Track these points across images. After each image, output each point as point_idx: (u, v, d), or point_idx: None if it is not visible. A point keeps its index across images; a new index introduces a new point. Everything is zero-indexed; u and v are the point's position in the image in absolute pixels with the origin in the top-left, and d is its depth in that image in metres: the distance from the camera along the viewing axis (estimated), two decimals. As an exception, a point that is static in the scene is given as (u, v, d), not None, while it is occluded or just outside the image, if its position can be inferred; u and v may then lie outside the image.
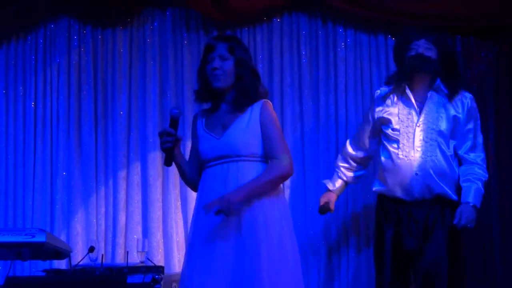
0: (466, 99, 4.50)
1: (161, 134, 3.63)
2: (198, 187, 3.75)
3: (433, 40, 4.40)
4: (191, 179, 3.84)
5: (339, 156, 4.95)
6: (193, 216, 3.75)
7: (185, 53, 5.77)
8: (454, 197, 4.43)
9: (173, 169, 5.52)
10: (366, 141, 4.74)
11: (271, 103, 3.76)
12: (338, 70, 5.68)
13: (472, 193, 4.38)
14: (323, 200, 4.82)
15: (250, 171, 3.62)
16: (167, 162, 3.69)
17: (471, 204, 4.35)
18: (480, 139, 4.56)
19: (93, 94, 5.79)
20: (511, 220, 5.41)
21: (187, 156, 3.93)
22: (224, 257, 3.51)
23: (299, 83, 5.72)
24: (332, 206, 4.82)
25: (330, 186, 4.87)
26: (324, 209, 4.85)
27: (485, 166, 4.53)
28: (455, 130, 4.43)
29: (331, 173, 5.20)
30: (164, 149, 3.64)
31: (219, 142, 3.68)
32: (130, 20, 5.87)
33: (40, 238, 4.47)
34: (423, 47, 4.40)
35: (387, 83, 4.65)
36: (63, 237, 5.56)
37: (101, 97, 5.79)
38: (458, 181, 4.48)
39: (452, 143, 4.44)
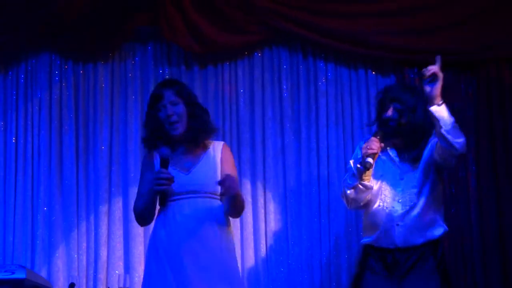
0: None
1: (158, 178, 3.66)
2: (158, 220, 3.82)
3: (404, 103, 4.33)
4: (153, 212, 3.88)
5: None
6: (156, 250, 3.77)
7: (166, 87, 5.77)
8: (438, 234, 4.40)
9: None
10: None
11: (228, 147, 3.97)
12: (319, 104, 5.71)
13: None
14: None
15: (215, 207, 3.83)
16: (163, 202, 3.73)
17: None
18: None
19: (75, 129, 5.77)
20: (492, 252, 5.42)
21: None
22: None
23: (280, 117, 5.74)
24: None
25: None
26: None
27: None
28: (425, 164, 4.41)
29: (313, 208, 5.26)
30: (159, 191, 3.68)
31: (188, 178, 3.79)
32: (111, 55, 5.87)
33: (20, 274, 4.45)
34: (394, 110, 4.34)
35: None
36: (43, 273, 5.51)
37: (82, 132, 5.78)
38: (442, 213, 4.48)
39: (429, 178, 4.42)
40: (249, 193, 5.62)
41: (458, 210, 5.52)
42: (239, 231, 5.57)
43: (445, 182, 5.50)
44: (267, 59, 5.81)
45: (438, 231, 4.41)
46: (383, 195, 4.39)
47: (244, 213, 5.51)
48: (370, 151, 4.18)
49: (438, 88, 4.16)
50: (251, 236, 5.58)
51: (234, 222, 5.51)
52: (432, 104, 4.15)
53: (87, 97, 5.84)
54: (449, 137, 4.15)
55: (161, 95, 3.86)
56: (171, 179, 3.68)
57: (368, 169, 4.23)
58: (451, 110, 5.49)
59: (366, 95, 5.66)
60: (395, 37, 5.61)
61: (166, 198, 3.72)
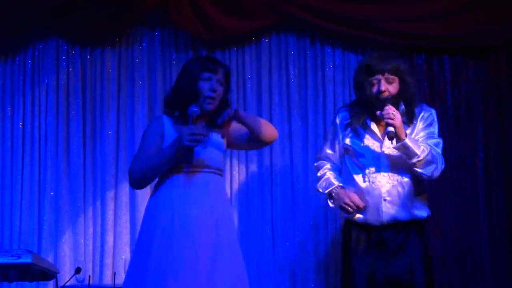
0: (425, 113, 4.37)
1: (193, 133, 3.62)
2: (170, 190, 3.77)
3: (396, 71, 4.23)
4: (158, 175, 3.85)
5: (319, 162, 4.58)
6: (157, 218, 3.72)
7: (173, 73, 5.76)
8: (423, 215, 4.33)
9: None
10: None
11: None
12: (326, 90, 5.69)
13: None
14: (350, 199, 4.25)
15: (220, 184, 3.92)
16: (190, 159, 3.69)
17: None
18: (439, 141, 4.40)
19: (82, 115, 5.77)
20: (500, 239, 5.40)
21: None
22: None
23: (287, 103, 5.73)
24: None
25: (336, 182, 4.39)
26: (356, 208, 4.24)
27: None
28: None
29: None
30: (191, 147, 3.64)
31: (205, 151, 3.78)
32: (118, 40, 5.87)
33: (26, 259, 4.44)
34: (385, 81, 4.21)
35: (347, 108, 4.48)
36: (50, 258, 5.52)
37: (89, 117, 5.78)
38: (426, 197, 4.41)
39: None
40: (256, 178, 5.62)
41: (465, 197, 5.50)
42: (245, 215, 5.57)
43: (452, 168, 5.50)
44: (274, 45, 5.79)
45: (423, 212, 4.33)
46: (367, 170, 4.30)
47: (251, 198, 5.57)
48: (390, 121, 4.06)
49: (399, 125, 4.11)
50: (258, 221, 5.57)
51: (241, 207, 5.53)
52: (399, 141, 4.11)
53: (94, 82, 5.84)
54: (417, 169, 4.19)
55: (215, 70, 3.85)
56: (206, 134, 3.71)
57: (392, 139, 4.10)
58: (459, 95, 5.56)
59: (373, 81, 5.63)
60: (404, 23, 5.58)
61: (193, 155, 3.69)
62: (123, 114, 5.80)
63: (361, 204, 4.23)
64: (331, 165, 4.50)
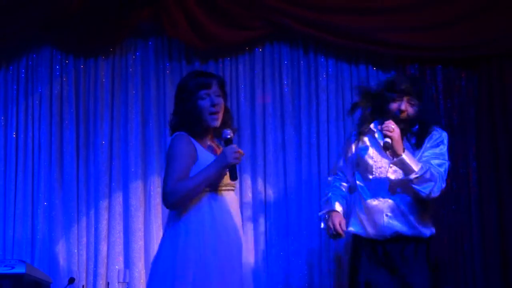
0: (435, 134, 4.39)
1: (238, 151, 3.70)
2: (208, 210, 3.73)
3: (417, 94, 4.28)
4: None
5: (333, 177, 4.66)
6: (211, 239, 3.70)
7: (167, 82, 5.78)
8: (426, 234, 4.37)
9: (156, 199, 5.55)
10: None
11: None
12: (320, 99, 5.70)
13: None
14: (332, 222, 4.41)
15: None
16: (236, 175, 3.76)
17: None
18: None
19: (75, 124, 5.78)
20: (492, 248, 5.41)
21: None
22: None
23: (281, 112, 5.74)
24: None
25: (331, 206, 4.49)
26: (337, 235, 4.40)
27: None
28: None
29: (313, 203, 5.21)
30: (235, 164, 3.70)
31: None
32: (112, 50, 5.88)
33: (19, 269, 4.45)
34: (407, 102, 4.27)
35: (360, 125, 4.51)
36: (44, 268, 5.50)
37: (83, 127, 5.78)
38: (430, 214, 4.45)
39: None
40: (250, 188, 5.62)
41: (458, 206, 5.51)
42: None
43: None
44: (268, 55, 5.80)
45: (427, 230, 4.36)
46: (374, 185, 4.35)
47: (244, 208, 5.57)
48: (388, 133, 4.12)
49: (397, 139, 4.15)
50: (251, 231, 5.57)
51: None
52: (396, 155, 4.16)
53: (87, 92, 5.85)
54: (414, 186, 4.21)
55: (209, 83, 3.78)
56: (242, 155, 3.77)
57: (387, 150, 4.16)
58: (452, 106, 5.57)
59: (367, 91, 5.64)
60: (398, 34, 5.59)
61: (236, 171, 3.76)
62: (116, 124, 5.80)
63: (339, 230, 4.34)
64: (339, 183, 4.58)
